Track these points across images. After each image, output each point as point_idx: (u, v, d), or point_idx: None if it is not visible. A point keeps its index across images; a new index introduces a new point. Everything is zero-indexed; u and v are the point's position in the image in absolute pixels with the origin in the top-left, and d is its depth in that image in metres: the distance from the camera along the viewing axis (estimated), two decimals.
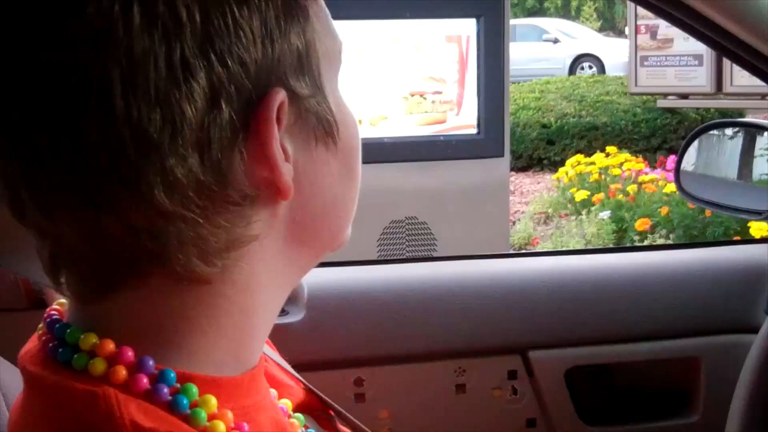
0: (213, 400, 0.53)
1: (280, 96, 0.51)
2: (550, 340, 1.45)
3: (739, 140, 1.85)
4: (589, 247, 5.50)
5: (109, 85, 0.46)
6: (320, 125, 0.55)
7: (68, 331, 0.54)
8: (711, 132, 1.72)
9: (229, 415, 0.54)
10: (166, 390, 0.52)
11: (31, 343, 0.59)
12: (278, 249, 0.57)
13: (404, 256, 3.35)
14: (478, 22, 3.30)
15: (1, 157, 0.51)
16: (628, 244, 5.47)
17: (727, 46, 1.21)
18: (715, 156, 1.86)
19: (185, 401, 0.52)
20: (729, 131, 1.82)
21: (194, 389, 0.53)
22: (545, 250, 5.30)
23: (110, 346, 0.52)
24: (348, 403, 1.39)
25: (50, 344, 0.55)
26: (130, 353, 0.52)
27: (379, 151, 3.28)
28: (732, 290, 1.50)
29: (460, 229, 3.36)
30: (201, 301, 0.54)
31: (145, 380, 0.51)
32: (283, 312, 1.39)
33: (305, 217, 0.57)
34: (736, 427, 1.31)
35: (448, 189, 3.35)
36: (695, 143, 1.61)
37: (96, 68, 0.46)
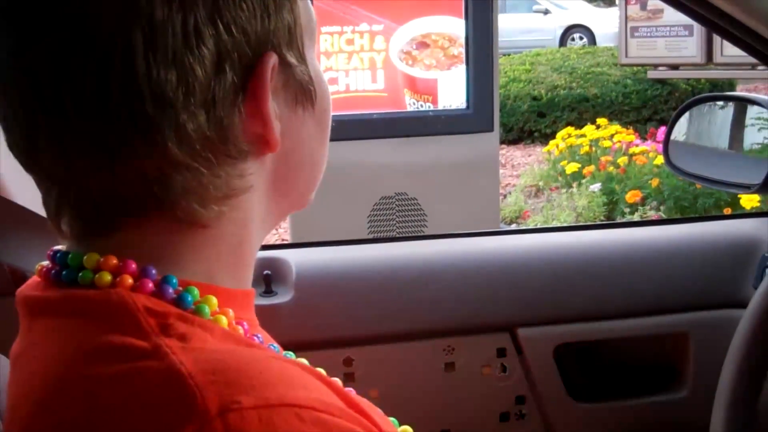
0: (214, 299, 0.59)
1: (273, 59, 0.58)
2: (539, 317, 1.45)
3: (729, 110, 1.84)
4: (580, 220, 5.51)
5: (133, 48, 0.52)
6: (302, 91, 0.62)
7: (70, 255, 0.58)
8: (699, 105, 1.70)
9: (231, 312, 0.60)
10: (171, 290, 0.57)
11: (31, 280, 0.64)
12: (263, 197, 0.63)
13: (394, 232, 3.35)
14: None
15: (26, 108, 0.55)
16: (618, 217, 5.49)
17: (717, 23, 1.19)
18: (706, 126, 1.85)
19: (189, 298, 0.57)
20: (720, 101, 1.81)
21: (196, 290, 0.58)
22: (534, 226, 5.30)
23: (113, 260, 0.57)
24: None
25: (52, 271, 0.60)
26: (133, 265, 0.57)
27: (369, 127, 3.27)
28: (720, 265, 1.50)
29: (450, 204, 3.36)
30: (201, 234, 0.60)
31: (150, 284, 0.57)
32: (271, 292, 1.39)
33: (286, 170, 0.64)
34: (723, 402, 1.31)
35: (438, 164, 3.34)
36: (684, 116, 1.60)
37: (121, 33, 0.52)
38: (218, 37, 0.54)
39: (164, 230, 0.58)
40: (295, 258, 1.44)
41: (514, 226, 5.76)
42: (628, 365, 1.54)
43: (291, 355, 0.68)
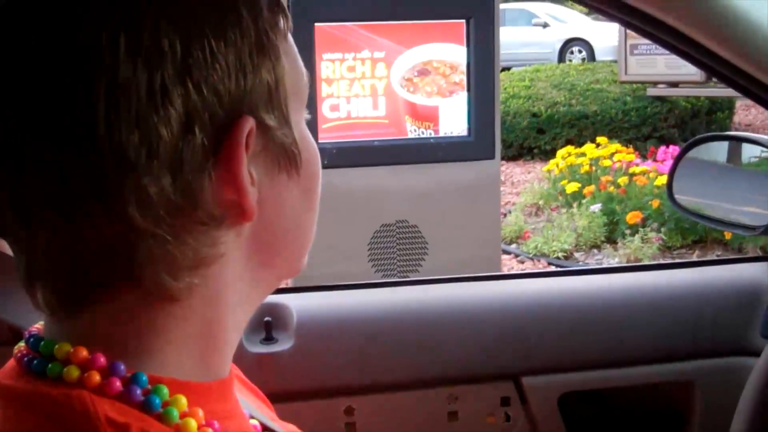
0: (183, 400, 0.56)
1: (249, 123, 0.54)
2: (543, 365, 1.44)
3: (728, 147, 1.85)
4: (581, 240, 5.51)
5: (94, 107, 0.49)
6: (285, 155, 0.58)
7: (42, 343, 0.56)
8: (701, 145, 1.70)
9: (200, 413, 0.56)
10: (138, 391, 0.54)
11: (8, 365, 0.61)
12: (242, 269, 0.60)
13: (395, 260, 3.34)
14: (467, 24, 3.27)
15: None
16: (619, 237, 5.48)
17: (717, 69, 1.19)
18: (708, 165, 1.85)
19: (157, 400, 0.54)
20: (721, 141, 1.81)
21: (165, 390, 0.55)
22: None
23: (83, 353, 0.54)
24: None
25: (25, 358, 0.57)
26: (102, 359, 0.54)
27: (370, 154, 3.26)
28: (725, 312, 1.49)
29: (451, 231, 3.36)
30: (170, 314, 0.56)
31: (118, 383, 0.54)
32: (272, 339, 1.37)
33: (268, 239, 0.60)
34: None
35: (439, 191, 3.34)
36: (687, 156, 1.59)
37: (82, 92, 0.50)
38: (187, 96, 0.51)
39: (134, 306, 0.55)
40: (295, 303, 1.42)
41: (514, 247, 5.75)
42: (634, 414, 1.52)
43: None
